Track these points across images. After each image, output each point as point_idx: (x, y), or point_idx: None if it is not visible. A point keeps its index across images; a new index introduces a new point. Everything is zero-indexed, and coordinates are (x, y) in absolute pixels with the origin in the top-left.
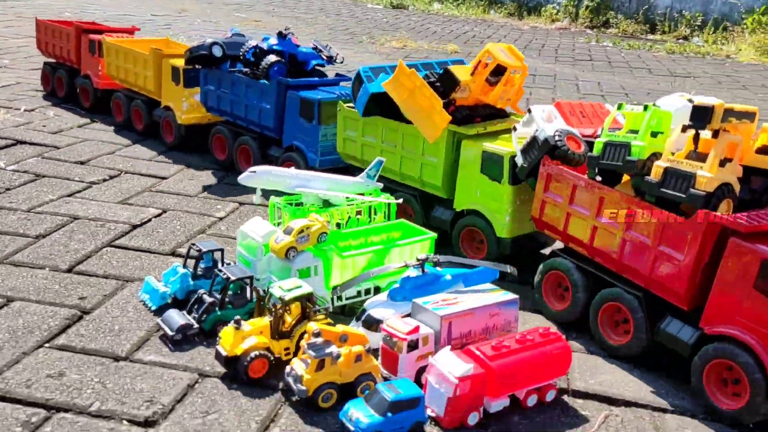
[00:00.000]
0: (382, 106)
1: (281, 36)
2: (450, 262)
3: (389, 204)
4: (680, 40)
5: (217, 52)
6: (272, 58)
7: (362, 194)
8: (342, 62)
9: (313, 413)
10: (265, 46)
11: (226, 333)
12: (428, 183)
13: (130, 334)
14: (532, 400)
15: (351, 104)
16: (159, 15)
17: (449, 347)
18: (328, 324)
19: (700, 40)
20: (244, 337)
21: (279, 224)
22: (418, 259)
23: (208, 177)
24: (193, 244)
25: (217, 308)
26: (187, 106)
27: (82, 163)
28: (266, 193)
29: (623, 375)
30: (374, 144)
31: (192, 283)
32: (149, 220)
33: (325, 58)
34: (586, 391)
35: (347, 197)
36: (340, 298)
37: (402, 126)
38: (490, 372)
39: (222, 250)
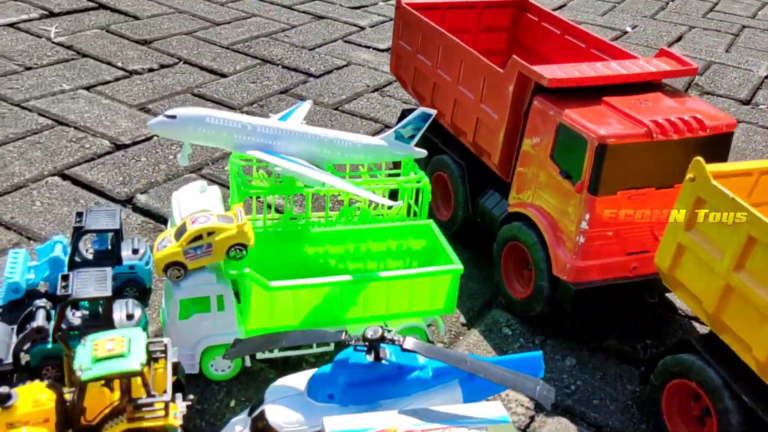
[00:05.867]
0: None
1: None
2: (429, 350)
3: (419, 188)
4: None
5: None
6: None
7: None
8: None
9: None
10: None
11: None
12: None
13: None
14: None
15: None
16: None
17: None
18: None
19: None
20: (11, 425)
21: (245, 190)
22: (365, 339)
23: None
24: (81, 213)
25: (49, 337)
26: None
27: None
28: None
29: None
30: None
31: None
32: (146, 139)
33: None
34: None
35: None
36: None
37: None
38: None
39: (117, 231)
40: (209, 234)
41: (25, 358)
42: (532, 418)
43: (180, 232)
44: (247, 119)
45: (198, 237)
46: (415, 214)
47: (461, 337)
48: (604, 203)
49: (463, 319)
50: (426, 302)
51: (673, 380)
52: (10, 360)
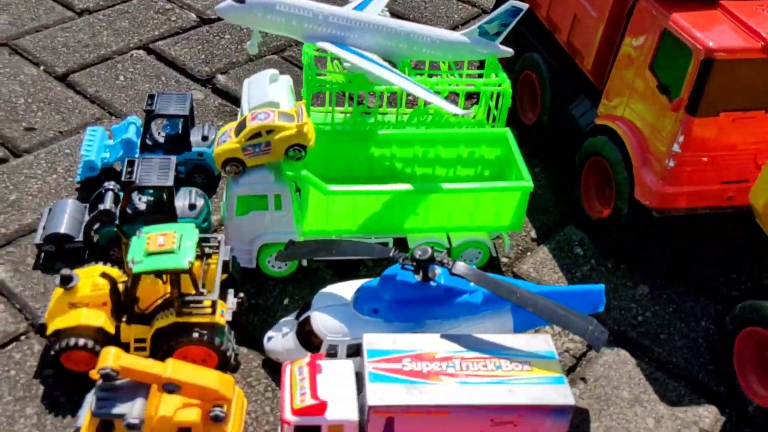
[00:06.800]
0: None
1: None
2: (478, 275)
3: (500, 92)
4: None
5: None
6: None
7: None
8: None
9: None
10: None
11: (57, 292)
12: None
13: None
14: None
15: None
16: None
17: None
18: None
19: None
20: (73, 304)
21: (313, 83)
22: (413, 259)
23: None
24: (153, 96)
25: (116, 219)
26: None
27: None
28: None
29: None
30: None
31: (138, 155)
32: None
33: None
34: None
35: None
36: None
37: None
38: None
39: (186, 117)
40: (268, 132)
41: (95, 237)
42: (589, 347)
43: (240, 127)
44: (320, 7)
45: (257, 134)
46: (494, 119)
47: (528, 253)
48: (702, 125)
49: (534, 234)
50: (491, 218)
51: (749, 326)
52: (81, 238)
